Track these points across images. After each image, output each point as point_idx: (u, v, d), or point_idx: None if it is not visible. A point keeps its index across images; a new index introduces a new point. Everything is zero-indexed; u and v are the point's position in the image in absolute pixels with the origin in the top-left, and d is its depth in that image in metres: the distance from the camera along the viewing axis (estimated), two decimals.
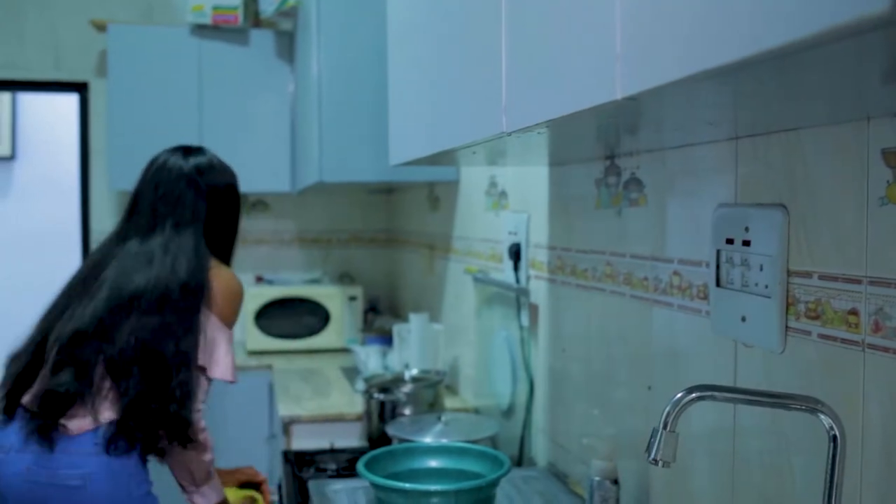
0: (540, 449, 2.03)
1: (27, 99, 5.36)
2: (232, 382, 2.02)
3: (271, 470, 3.24)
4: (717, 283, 1.26)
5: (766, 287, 1.14)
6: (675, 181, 1.41)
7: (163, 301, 1.90)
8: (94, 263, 2.06)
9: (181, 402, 1.86)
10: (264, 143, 3.64)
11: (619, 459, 1.51)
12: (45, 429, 1.82)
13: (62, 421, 1.84)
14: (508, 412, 2.20)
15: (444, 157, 1.69)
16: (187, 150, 2.16)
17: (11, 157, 5.36)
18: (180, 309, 1.91)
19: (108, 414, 1.85)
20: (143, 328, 1.87)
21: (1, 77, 3.86)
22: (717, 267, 1.26)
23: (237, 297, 2.02)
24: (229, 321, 2.01)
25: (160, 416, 1.85)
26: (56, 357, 1.88)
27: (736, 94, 0.81)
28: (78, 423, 1.84)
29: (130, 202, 2.11)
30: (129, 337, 1.86)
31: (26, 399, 1.89)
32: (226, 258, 2.16)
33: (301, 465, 2.21)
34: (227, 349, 1.99)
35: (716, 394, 0.94)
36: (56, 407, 1.84)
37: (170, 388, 1.86)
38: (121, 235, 2.07)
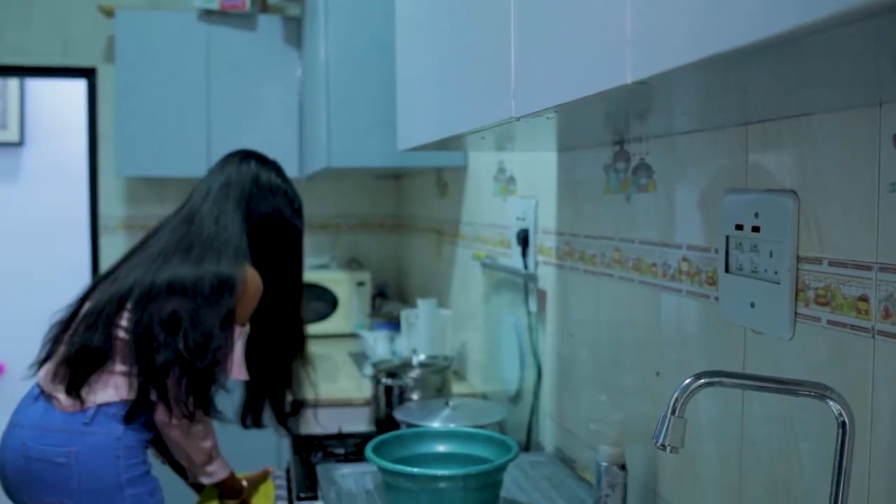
0: (547, 434, 2.03)
1: (35, 85, 5.36)
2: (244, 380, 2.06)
3: (279, 454, 3.25)
4: (727, 269, 1.25)
5: (776, 273, 1.14)
6: (684, 167, 1.41)
7: (196, 290, 1.92)
8: (148, 237, 2.11)
9: (209, 368, 1.90)
10: (272, 129, 3.64)
11: (627, 445, 1.51)
12: (75, 385, 1.88)
13: (56, 394, 1.89)
14: (516, 398, 2.20)
15: (452, 143, 1.69)
16: (264, 161, 2.22)
17: (20, 143, 5.37)
18: (213, 301, 1.93)
19: (102, 395, 1.88)
20: (177, 308, 1.90)
21: (9, 63, 3.86)
22: (727, 253, 1.25)
23: (257, 298, 2.03)
24: (244, 321, 2.02)
25: (190, 379, 1.88)
26: (91, 319, 1.93)
27: (747, 78, 0.81)
28: (70, 402, 1.88)
29: (199, 184, 2.16)
30: (161, 312, 1.90)
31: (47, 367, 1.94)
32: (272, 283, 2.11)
33: (309, 449, 2.22)
34: (241, 348, 2.01)
35: (724, 380, 0.93)
36: (88, 363, 1.89)
37: (198, 358, 1.89)
38: (179, 214, 2.11)
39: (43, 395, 1.94)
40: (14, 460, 1.89)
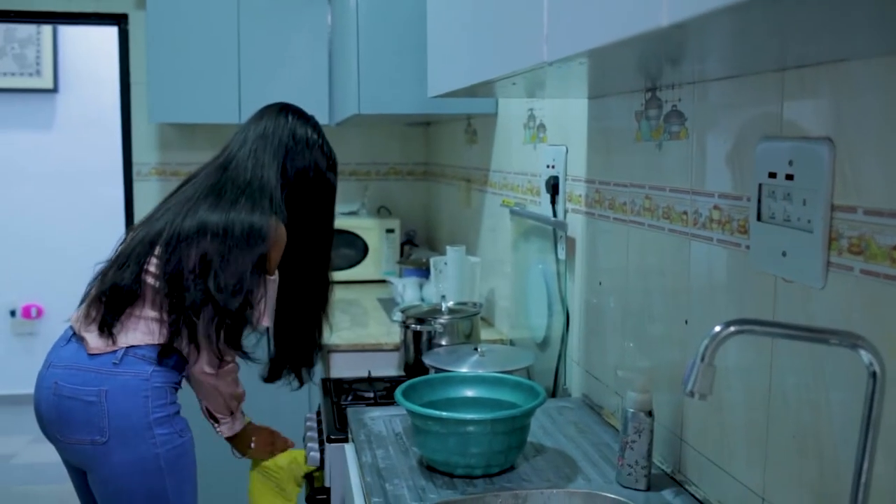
0: (574, 381, 2.05)
1: (69, 32, 5.38)
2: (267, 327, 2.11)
3: (311, 397, 3.31)
4: (759, 218, 1.24)
5: (809, 222, 1.13)
6: (717, 114, 1.39)
7: (228, 234, 1.95)
8: (184, 183, 2.14)
9: (241, 310, 1.94)
10: (302, 75, 3.63)
11: (654, 392, 1.52)
12: (107, 323, 1.93)
13: (86, 335, 1.94)
14: (543, 344, 2.21)
15: (482, 89, 1.68)
16: (302, 115, 2.22)
17: (54, 90, 5.41)
18: (244, 246, 1.95)
19: (131, 338, 1.93)
20: (207, 250, 1.94)
21: (41, 8, 3.87)
22: (759, 201, 1.24)
23: (281, 250, 2.05)
24: (273, 270, 2.05)
25: (221, 319, 1.93)
26: (122, 259, 1.98)
27: (786, 21, 0.79)
28: (101, 342, 1.93)
29: (236, 133, 2.17)
30: (192, 254, 1.93)
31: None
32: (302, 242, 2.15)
33: (339, 392, 2.25)
34: (273, 296, 2.05)
35: (754, 327, 0.94)
36: (119, 301, 1.94)
37: (230, 298, 1.93)
38: (216, 161, 2.13)
39: (75, 336, 1.99)
40: (47, 399, 1.95)
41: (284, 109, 2.21)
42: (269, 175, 2.07)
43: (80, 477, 2.05)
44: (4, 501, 3.97)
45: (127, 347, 1.92)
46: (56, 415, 1.94)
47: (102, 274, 2.02)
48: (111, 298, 1.95)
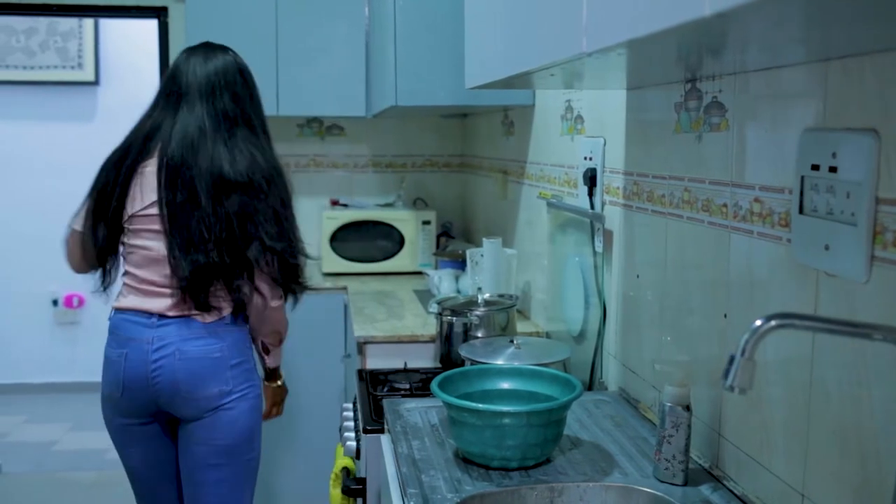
0: (611, 374, 2.04)
1: (110, 25, 5.45)
2: None
3: (347, 387, 3.33)
4: (801, 211, 1.23)
5: (853, 215, 1.11)
6: (758, 105, 1.37)
7: (258, 184, 2.21)
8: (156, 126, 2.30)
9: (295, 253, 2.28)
10: (339, 68, 3.64)
11: (692, 386, 1.50)
12: (204, 303, 2.19)
13: (195, 314, 2.20)
14: (580, 337, 2.20)
15: (520, 81, 1.67)
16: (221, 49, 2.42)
17: (95, 83, 5.49)
18: (274, 190, 2.23)
19: (225, 305, 2.22)
20: (243, 203, 2.19)
21: (84, 2, 3.92)
22: (801, 194, 1.22)
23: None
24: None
25: (281, 262, 2.24)
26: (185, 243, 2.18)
27: (832, 10, 0.78)
28: (208, 317, 2.21)
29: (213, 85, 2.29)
30: (237, 221, 2.18)
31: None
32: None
33: (375, 383, 2.27)
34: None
35: (796, 322, 0.92)
36: (203, 281, 2.18)
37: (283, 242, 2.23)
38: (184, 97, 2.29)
39: (168, 318, 2.18)
40: (171, 365, 2.16)
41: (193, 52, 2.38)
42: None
43: (165, 442, 2.29)
44: (45, 487, 4.05)
45: (229, 314, 2.22)
46: (186, 375, 2.16)
47: (173, 261, 2.17)
48: (195, 281, 2.16)
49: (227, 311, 2.21)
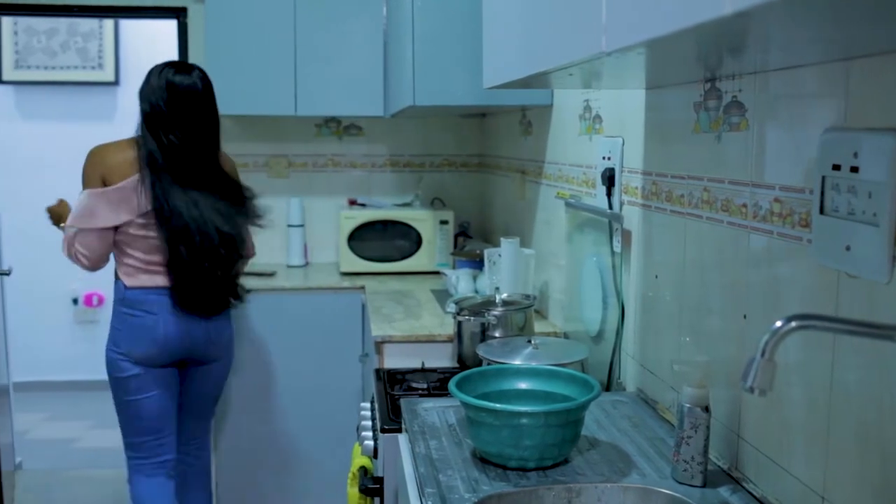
0: (629, 374, 2.03)
1: (130, 26, 5.48)
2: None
3: (364, 387, 3.34)
4: (821, 211, 1.22)
5: (874, 215, 1.10)
6: (778, 104, 1.36)
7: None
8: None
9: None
10: (357, 67, 3.65)
11: (711, 387, 1.50)
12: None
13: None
14: (598, 337, 2.20)
15: (538, 80, 1.67)
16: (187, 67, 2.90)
17: (115, 83, 5.53)
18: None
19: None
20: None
21: (104, 3, 3.95)
22: (822, 194, 1.21)
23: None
24: None
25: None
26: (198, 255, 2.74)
27: (855, 7, 0.77)
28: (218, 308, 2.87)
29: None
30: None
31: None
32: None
33: (393, 383, 2.27)
34: None
35: (817, 323, 0.92)
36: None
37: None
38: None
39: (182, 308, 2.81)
40: (202, 344, 2.86)
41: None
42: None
43: (171, 386, 2.86)
44: (66, 484, 4.08)
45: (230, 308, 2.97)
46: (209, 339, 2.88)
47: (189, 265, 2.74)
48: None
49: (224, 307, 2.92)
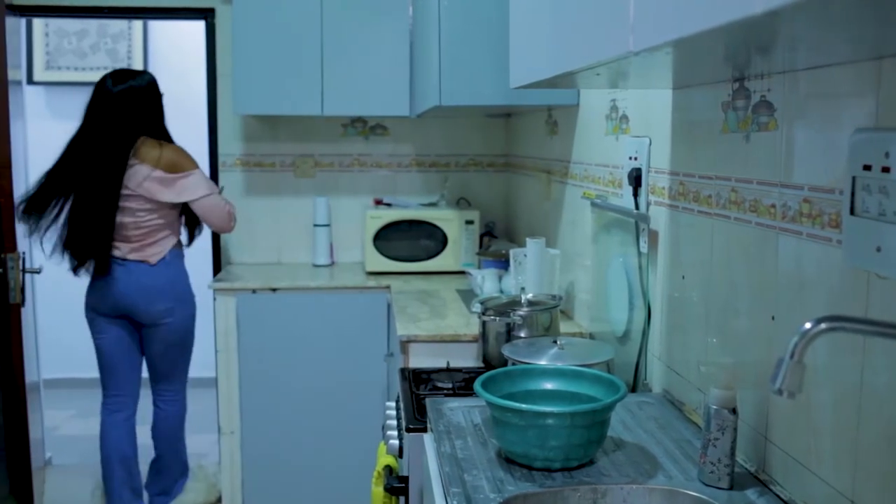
0: (655, 376, 2.02)
1: (158, 26, 5.53)
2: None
3: (389, 386, 3.35)
4: (852, 212, 1.20)
5: None
6: (808, 104, 1.35)
7: None
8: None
9: None
10: (383, 67, 3.66)
11: (738, 389, 1.49)
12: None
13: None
14: (624, 338, 2.19)
15: (564, 80, 1.66)
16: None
17: None
18: None
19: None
20: None
21: (132, 4, 3.99)
22: (852, 194, 1.20)
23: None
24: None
25: None
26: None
27: (887, 7, 0.76)
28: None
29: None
30: None
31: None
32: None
33: (418, 382, 2.27)
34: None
35: (847, 325, 0.91)
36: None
37: None
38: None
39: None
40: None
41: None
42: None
43: (123, 337, 3.48)
44: (94, 479, 4.12)
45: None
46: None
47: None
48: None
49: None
